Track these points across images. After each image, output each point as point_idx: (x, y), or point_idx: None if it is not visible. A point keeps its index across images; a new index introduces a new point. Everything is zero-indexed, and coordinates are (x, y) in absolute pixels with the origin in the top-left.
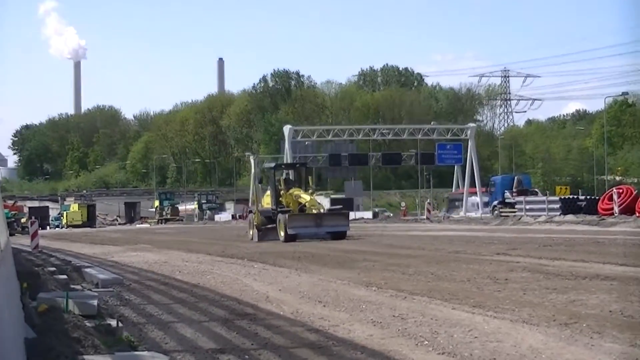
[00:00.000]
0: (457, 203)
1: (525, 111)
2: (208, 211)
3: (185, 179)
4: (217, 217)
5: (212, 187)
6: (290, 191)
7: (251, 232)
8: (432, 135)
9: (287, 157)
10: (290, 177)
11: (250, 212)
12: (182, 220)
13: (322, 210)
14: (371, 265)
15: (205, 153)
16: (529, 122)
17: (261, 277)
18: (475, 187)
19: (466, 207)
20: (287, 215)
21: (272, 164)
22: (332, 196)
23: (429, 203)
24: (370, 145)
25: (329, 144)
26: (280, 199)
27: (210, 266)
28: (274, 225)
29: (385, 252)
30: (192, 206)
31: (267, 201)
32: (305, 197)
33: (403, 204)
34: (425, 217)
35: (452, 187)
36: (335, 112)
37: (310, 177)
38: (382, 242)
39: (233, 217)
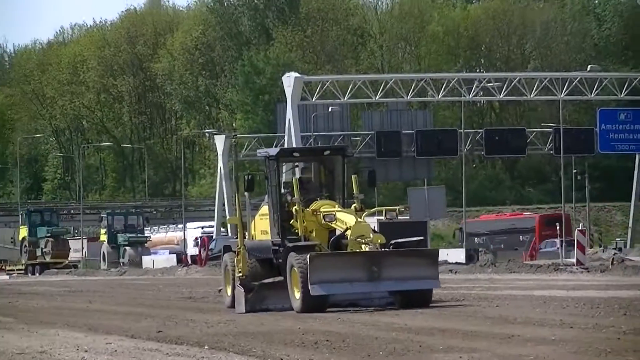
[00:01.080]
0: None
1: None
2: (128, 248)
3: (82, 184)
4: (146, 261)
5: (135, 200)
6: (313, 206)
7: (229, 292)
8: (588, 93)
9: (292, 138)
10: (311, 178)
11: (228, 249)
12: (75, 266)
13: (380, 247)
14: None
15: (122, 130)
16: None
17: None
18: None
19: None
20: (308, 256)
21: (274, 151)
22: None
23: (583, 231)
24: (463, 114)
25: (376, 111)
26: (291, 221)
27: None
28: (278, 277)
29: (493, 331)
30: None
31: (261, 227)
32: (346, 219)
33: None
34: (575, 260)
35: (630, 199)
36: (388, 47)
37: (354, 178)
38: (486, 313)
39: (180, 259)
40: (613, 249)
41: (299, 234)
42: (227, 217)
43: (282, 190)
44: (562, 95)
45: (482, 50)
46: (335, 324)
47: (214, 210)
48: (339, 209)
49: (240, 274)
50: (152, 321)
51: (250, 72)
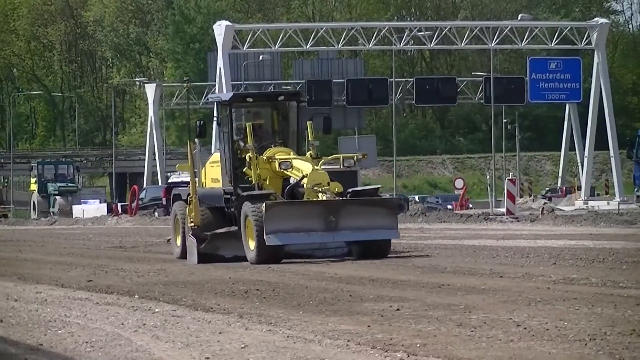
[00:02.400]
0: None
1: None
2: (59, 198)
3: (12, 132)
4: (77, 210)
5: (66, 149)
6: (268, 153)
7: (179, 242)
8: (518, 42)
9: (222, 86)
10: (264, 124)
11: (178, 197)
12: (5, 216)
13: (337, 195)
14: (393, 308)
15: (52, 79)
16: None
17: (169, 332)
18: (608, 148)
19: (588, 188)
20: (264, 206)
21: (227, 96)
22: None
23: (513, 180)
24: (393, 63)
25: (307, 60)
26: (244, 168)
27: (66, 310)
28: (232, 227)
29: (422, 280)
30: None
31: (213, 175)
32: (302, 167)
33: (460, 182)
34: (505, 210)
35: (560, 149)
36: None
37: (309, 124)
38: (416, 263)
39: (110, 209)
40: (543, 197)
41: (253, 182)
42: (157, 165)
43: (236, 136)
44: (492, 45)
45: (412, 2)
46: (265, 273)
47: (143, 160)
48: (295, 157)
49: (192, 224)
50: (82, 270)
51: (180, 20)
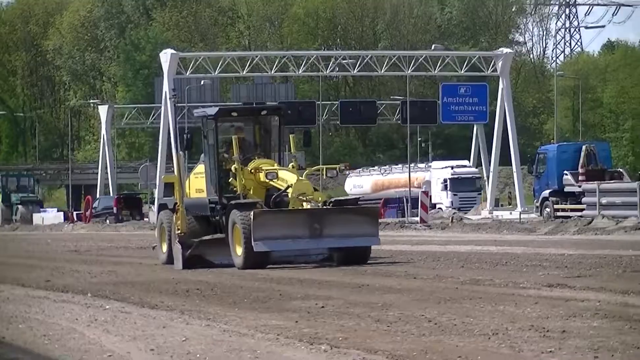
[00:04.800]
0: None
1: (602, 26)
2: (20, 207)
3: None
4: (37, 218)
5: (27, 163)
6: (253, 165)
7: (164, 249)
8: (432, 69)
9: (168, 109)
10: (246, 137)
11: (164, 207)
12: None
13: (321, 204)
14: (318, 306)
15: (15, 100)
16: (609, 46)
17: (118, 326)
18: (511, 164)
19: (493, 199)
20: (252, 214)
21: (213, 111)
22: None
23: (426, 192)
24: (320, 87)
25: (244, 84)
26: (229, 179)
27: (26, 307)
28: (218, 234)
29: (344, 281)
30: None
31: (197, 185)
32: (287, 176)
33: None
34: (419, 218)
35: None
36: (255, 27)
37: (292, 138)
38: (340, 266)
39: (67, 217)
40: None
41: (238, 192)
42: (109, 178)
43: (221, 149)
44: (408, 71)
45: (339, 30)
46: (205, 275)
47: (97, 173)
48: (280, 168)
49: (179, 231)
50: (41, 272)
51: (131, 49)
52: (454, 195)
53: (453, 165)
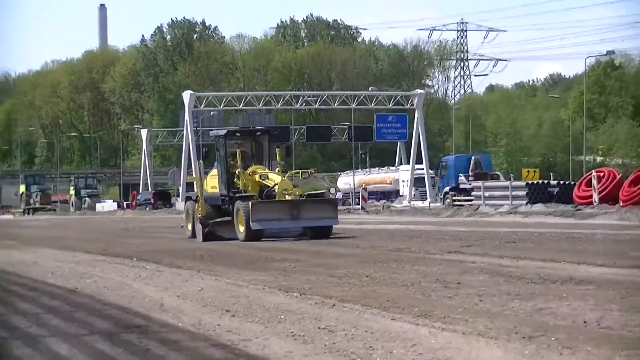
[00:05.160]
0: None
1: (486, 74)
2: (87, 199)
3: (59, 159)
4: (98, 207)
5: (92, 169)
6: (251, 169)
7: (190, 227)
8: (369, 104)
9: (188, 131)
10: (245, 150)
11: (190, 199)
12: (54, 210)
13: (298, 197)
14: (291, 266)
15: (83, 126)
16: (490, 89)
17: (154, 280)
18: (423, 169)
19: (411, 194)
20: (250, 203)
21: (222, 132)
22: None
23: (365, 189)
24: (293, 116)
25: (240, 114)
26: (235, 180)
27: (91, 267)
28: (226, 218)
29: (309, 249)
30: (67, 192)
31: (212, 184)
32: (275, 178)
33: (333, 190)
34: (360, 206)
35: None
36: (248, 75)
37: (278, 150)
38: (306, 239)
39: (119, 206)
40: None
41: (240, 188)
42: (148, 178)
43: (229, 159)
44: (353, 105)
45: (305, 77)
46: (216, 245)
47: (139, 176)
48: (270, 171)
49: (200, 215)
50: (101, 243)
51: (162, 90)
52: (416, 189)
53: (416, 168)
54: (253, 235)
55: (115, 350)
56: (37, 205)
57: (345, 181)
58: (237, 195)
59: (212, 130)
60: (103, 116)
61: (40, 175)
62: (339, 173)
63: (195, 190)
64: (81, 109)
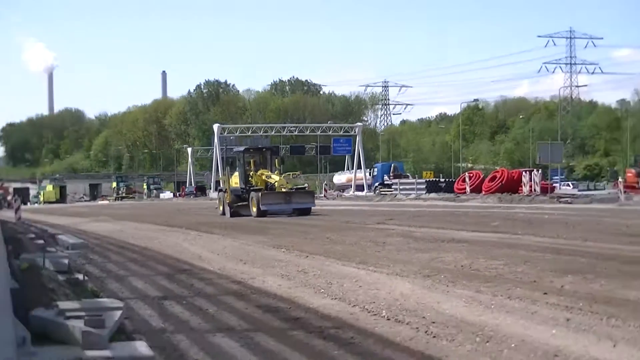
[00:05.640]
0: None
1: (400, 113)
2: (154, 190)
3: (137, 166)
4: (161, 196)
5: (157, 172)
6: (259, 172)
7: (221, 208)
8: (328, 132)
9: (216, 149)
10: (258, 160)
11: (221, 190)
12: (134, 197)
13: (290, 189)
14: (281, 232)
15: (151, 145)
16: (403, 122)
17: (196, 242)
18: (364, 172)
19: (355, 187)
20: (260, 193)
21: (242, 148)
22: None
23: (326, 184)
24: (281, 139)
25: (249, 138)
26: (250, 179)
27: (157, 234)
28: (244, 202)
29: (294, 222)
30: (142, 187)
31: (235, 181)
32: (275, 178)
33: (306, 185)
34: (323, 195)
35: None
36: (253, 114)
37: (277, 160)
38: (294, 216)
39: (174, 195)
40: (337, 191)
41: (253, 184)
42: (192, 178)
43: (246, 166)
44: (319, 133)
45: (289, 115)
46: (237, 220)
47: (186, 176)
48: (271, 173)
49: (228, 201)
50: (162, 218)
51: (201, 123)
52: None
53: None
54: (261, 214)
55: (172, 285)
56: (123, 194)
57: (339, 177)
58: (251, 188)
59: (233, 148)
60: (164, 140)
61: (126, 176)
62: (352, 170)
63: (222, 185)
64: (150, 135)
